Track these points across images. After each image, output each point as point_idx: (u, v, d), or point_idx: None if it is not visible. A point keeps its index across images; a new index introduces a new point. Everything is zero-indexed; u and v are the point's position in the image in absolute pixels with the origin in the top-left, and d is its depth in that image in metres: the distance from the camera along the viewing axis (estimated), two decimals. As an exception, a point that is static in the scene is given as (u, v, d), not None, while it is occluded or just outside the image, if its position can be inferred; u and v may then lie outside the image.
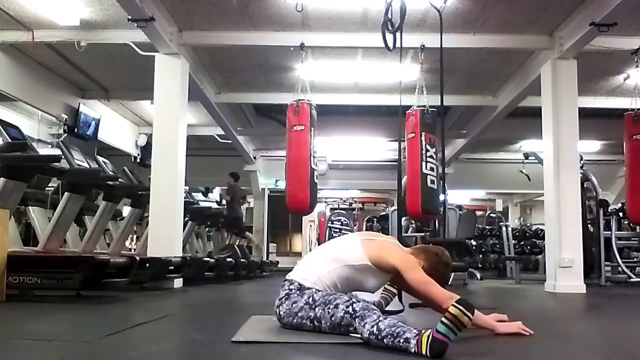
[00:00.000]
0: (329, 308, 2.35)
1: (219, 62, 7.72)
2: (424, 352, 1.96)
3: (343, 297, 2.36)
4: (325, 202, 18.79)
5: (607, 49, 6.32)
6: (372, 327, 2.13)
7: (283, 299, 2.50)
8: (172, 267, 5.70)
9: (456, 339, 1.99)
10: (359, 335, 2.21)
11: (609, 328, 3.36)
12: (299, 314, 2.43)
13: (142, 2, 5.36)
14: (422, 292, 2.48)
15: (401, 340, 2.03)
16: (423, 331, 2.02)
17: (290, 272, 2.59)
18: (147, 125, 11.10)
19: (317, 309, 2.39)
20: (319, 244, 15.72)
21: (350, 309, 2.28)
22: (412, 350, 2.00)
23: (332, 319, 2.33)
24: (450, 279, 7.49)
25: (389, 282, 2.77)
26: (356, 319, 2.23)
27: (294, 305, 2.45)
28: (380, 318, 2.17)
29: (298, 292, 2.47)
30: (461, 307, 1.99)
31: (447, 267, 2.67)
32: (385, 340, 2.08)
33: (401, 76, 6.16)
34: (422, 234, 8.03)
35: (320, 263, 2.57)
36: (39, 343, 2.28)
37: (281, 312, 2.49)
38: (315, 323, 2.38)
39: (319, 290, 2.46)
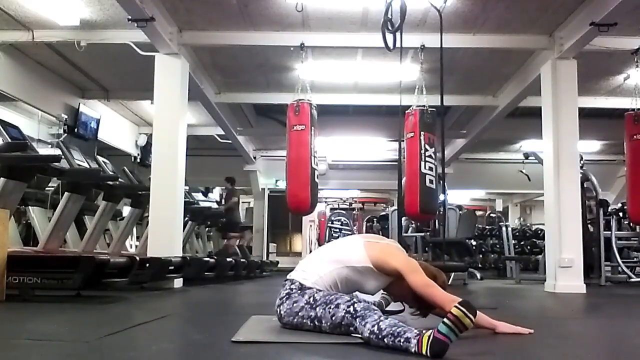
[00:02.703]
0: (329, 308, 2.35)
1: (219, 62, 7.72)
2: (424, 352, 1.96)
3: (344, 297, 2.37)
4: (325, 202, 18.80)
5: (607, 49, 6.32)
6: (373, 326, 2.14)
7: (284, 299, 2.50)
8: (172, 267, 5.70)
9: (456, 339, 1.99)
10: (360, 335, 2.21)
11: (609, 328, 3.36)
12: (299, 313, 2.43)
13: (142, 2, 5.36)
14: (424, 294, 2.47)
15: (402, 340, 2.03)
16: (424, 331, 2.02)
17: (292, 272, 2.60)
18: (147, 125, 11.10)
19: (317, 308, 2.39)
20: (319, 244, 15.73)
21: (351, 308, 2.28)
22: (413, 350, 2.00)
23: (333, 318, 2.33)
24: (450, 280, 7.52)
25: (383, 290, 2.76)
26: (357, 319, 2.23)
27: (294, 304, 2.45)
28: (381, 318, 2.17)
29: (299, 291, 2.48)
30: (463, 309, 1.99)
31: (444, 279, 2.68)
32: (385, 339, 2.08)
33: (401, 76, 6.16)
34: (422, 234, 8.04)
35: (321, 263, 2.58)
36: (39, 343, 2.28)
37: (282, 312, 2.50)
38: (316, 323, 2.39)
39: (320, 290, 2.46)
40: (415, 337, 2.01)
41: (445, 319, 2.00)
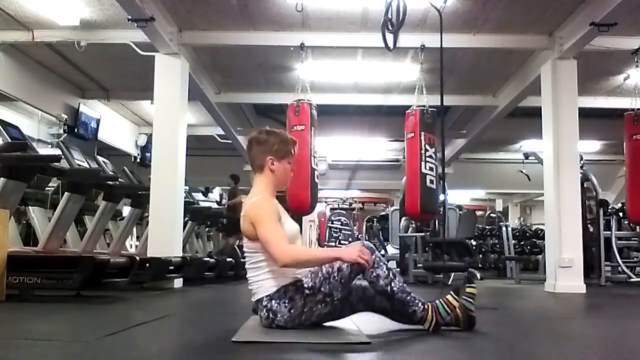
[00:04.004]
0: (334, 277, 2.40)
1: (219, 62, 7.72)
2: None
3: (337, 263, 2.41)
4: (325, 202, 18.79)
5: (607, 49, 6.31)
6: (387, 285, 2.42)
7: (271, 317, 2.45)
8: (172, 267, 5.70)
9: (456, 339, 2.00)
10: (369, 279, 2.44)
11: (609, 328, 3.36)
12: (305, 310, 2.42)
13: (142, 2, 5.36)
14: (266, 249, 2.45)
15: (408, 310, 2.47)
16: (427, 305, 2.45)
17: (252, 295, 2.54)
18: (147, 125, 11.10)
19: (322, 288, 2.41)
20: (319, 244, 15.73)
21: (354, 265, 2.39)
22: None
23: (342, 281, 2.41)
24: (450, 280, 7.51)
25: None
26: (365, 271, 2.41)
27: (292, 310, 2.43)
28: (391, 275, 2.43)
29: (279, 300, 2.44)
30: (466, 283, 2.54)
31: (287, 138, 2.68)
32: (396, 299, 2.44)
33: (401, 76, 6.16)
34: (422, 234, 8.03)
35: (254, 270, 2.53)
36: (39, 343, 2.28)
37: (280, 324, 2.44)
38: (327, 300, 2.41)
39: (300, 286, 2.44)
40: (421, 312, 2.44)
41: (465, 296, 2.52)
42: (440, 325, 2.44)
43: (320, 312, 2.43)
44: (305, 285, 2.43)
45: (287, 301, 2.43)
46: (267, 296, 2.46)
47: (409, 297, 2.44)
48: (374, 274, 2.41)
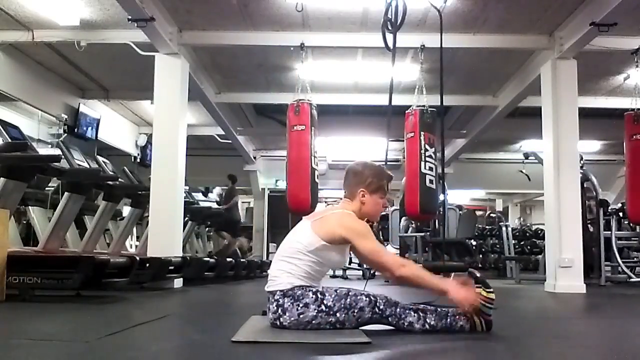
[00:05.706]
0: (353, 312, 2.44)
1: (219, 62, 7.72)
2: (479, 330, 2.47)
3: (362, 298, 2.45)
4: (325, 202, 18.78)
5: (607, 49, 6.32)
6: (423, 325, 2.44)
7: (278, 312, 2.46)
8: (172, 267, 5.70)
9: (456, 339, 2.01)
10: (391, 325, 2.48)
11: (609, 328, 3.36)
12: (313, 322, 2.42)
13: (142, 2, 5.36)
14: (373, 260, 2.58)
15: (456, 329, 2.45)
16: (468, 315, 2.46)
17: (268, 285, 2.54)
18: (147, 125, 11.10)
19: (338, 314, 2.43)
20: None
21: (376, 309, 2.45)
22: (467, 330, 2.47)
23: (359, 320, 2.45)
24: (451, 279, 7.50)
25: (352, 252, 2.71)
26: (389, 318, 2.45)
27: (301, 316, 2.43)
28: (420, 314, 2.44)
29: (292, 301, 2.44)
30: (484, 288, 2.51)
31: (382, 173, 2.71)
32: (440, 331, 2.43)
33: (401, 76, 6.16)
34: (422, 234, 8.04)
35: (286, 262, 2.53)
36: (39, 343, 2.28)
37: (285, 324, 2.45)
38: (337, 326, 2.44)
39: (319, 292, 2.44)
40: (466, 322, 2.46)
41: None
42: (491, 322, 2.50)
43: (325, 328, 2.44)
44: (325, 302, 2.43)
45: (300, 305, 2.43)
46: (280, 291, 2.46)
47: (449, 319, 2.46)
48: (406, 324, 2.45)
